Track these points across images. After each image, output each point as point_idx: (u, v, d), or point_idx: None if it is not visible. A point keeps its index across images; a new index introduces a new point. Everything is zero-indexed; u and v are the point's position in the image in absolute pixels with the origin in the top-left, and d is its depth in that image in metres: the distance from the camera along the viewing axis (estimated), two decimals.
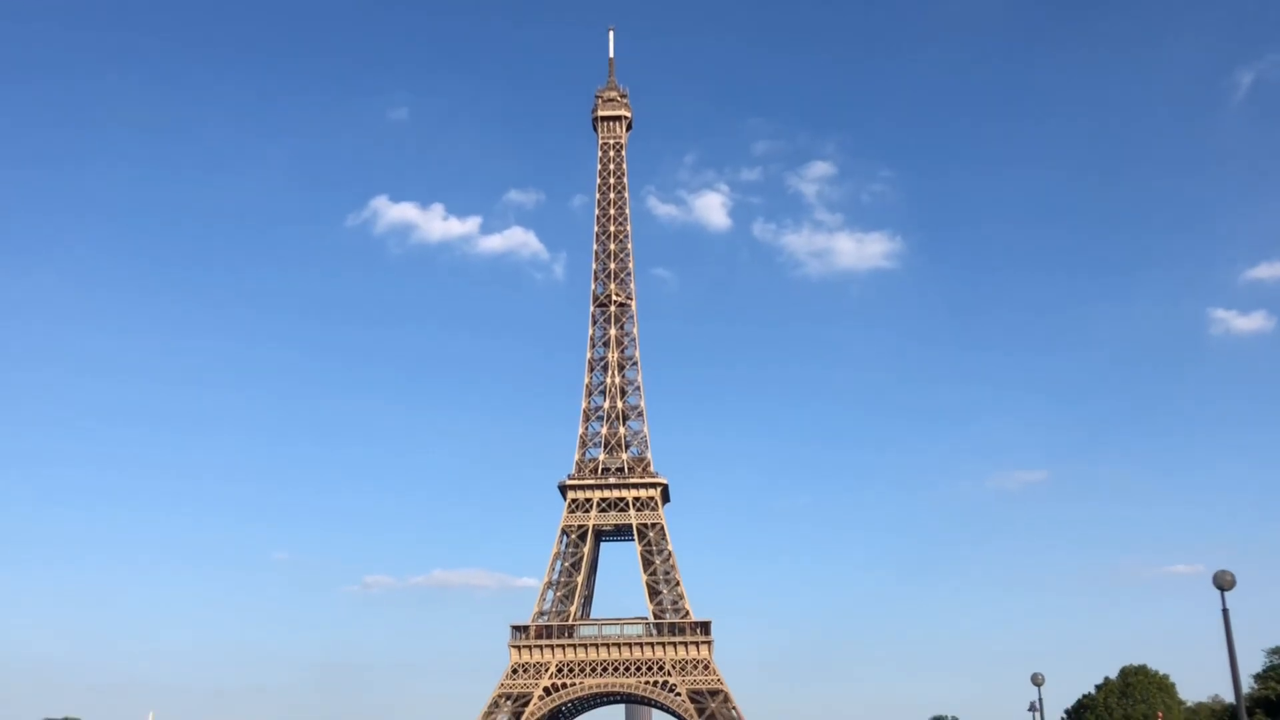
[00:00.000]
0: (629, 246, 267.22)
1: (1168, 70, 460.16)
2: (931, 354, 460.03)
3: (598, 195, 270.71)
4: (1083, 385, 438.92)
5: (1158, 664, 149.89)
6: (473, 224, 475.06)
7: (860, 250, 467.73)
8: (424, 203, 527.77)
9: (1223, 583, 38.71)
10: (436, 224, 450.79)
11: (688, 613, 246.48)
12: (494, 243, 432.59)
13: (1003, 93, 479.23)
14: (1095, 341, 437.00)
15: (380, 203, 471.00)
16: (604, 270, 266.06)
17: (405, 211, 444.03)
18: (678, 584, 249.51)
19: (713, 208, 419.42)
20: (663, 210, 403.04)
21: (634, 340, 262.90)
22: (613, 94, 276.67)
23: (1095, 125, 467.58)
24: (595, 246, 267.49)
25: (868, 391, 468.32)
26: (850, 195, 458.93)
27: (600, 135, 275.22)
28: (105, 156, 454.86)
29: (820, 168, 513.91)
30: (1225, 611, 39.19)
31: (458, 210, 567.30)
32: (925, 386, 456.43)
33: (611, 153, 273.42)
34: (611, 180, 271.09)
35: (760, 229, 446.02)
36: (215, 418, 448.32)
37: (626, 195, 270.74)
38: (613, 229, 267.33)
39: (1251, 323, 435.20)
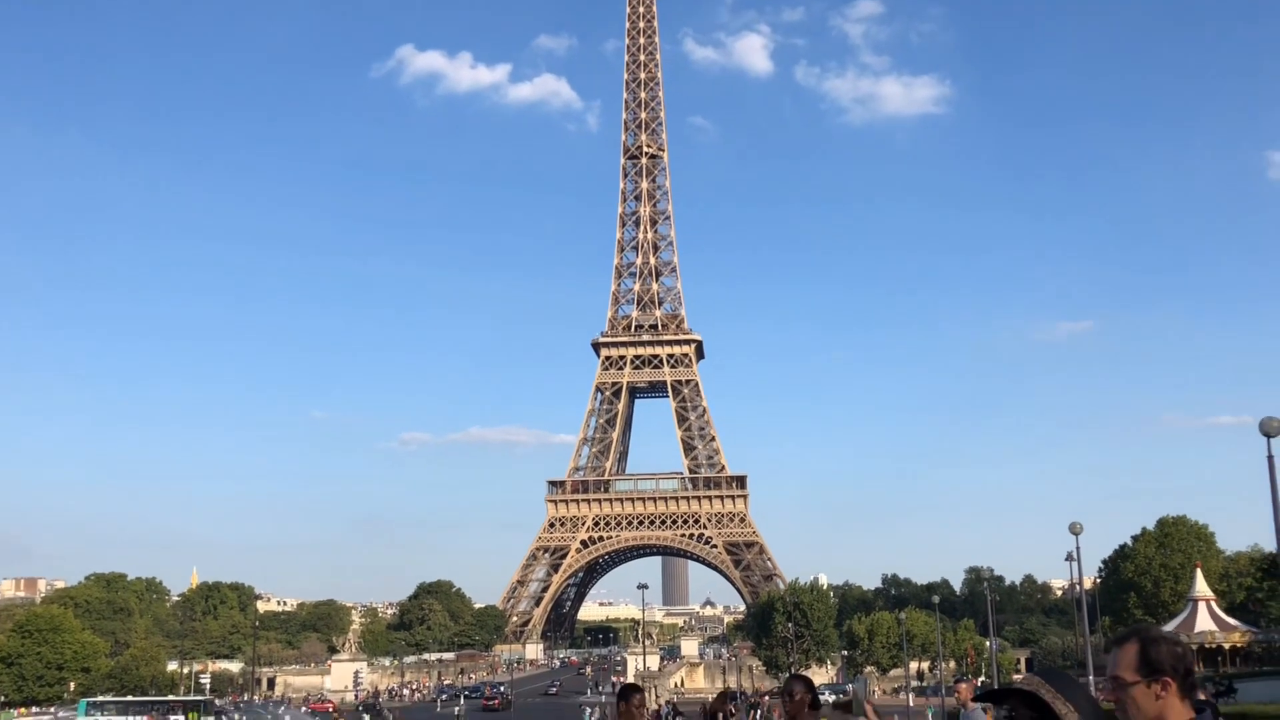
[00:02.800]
0: (660, 95, 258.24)
1: None
2: (978, 203, 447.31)
3: (627, 41, 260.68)
4: (1134, 234, 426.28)
5: (1198, 515, 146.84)
6: (502, 72, 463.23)
7: (908, 95, 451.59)
8: (451, 51, 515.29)
9: (1269, 429, 34.96)
10: (465, 73, 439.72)
11: (723, 467, 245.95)
12: (524, 92, 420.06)
13: None
14: (1149, 188, 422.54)
15: (406, 51, 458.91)
16: (634, 120, 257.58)
17: (432, 60, 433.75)
18: (713, 439, 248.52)
19: (753, 50, 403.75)
20: (700, 54, 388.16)
21: (666, 194, 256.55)
22: None
23: None
24: (625, 95, 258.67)
25: (910, 243, 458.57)
26: (898, 36, 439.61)
27: None
28: (123, 6, 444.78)
29: (866, 6, 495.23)
30: (1270, 459, 35.47)
31: (486, 58, 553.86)
32: (971, 236, 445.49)
33: None
34: (641, 24, 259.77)
35: (804, 73, 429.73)
36: (247, 277, 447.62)
37: (657, 40, 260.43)
38: (643, 76, 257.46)
39: None
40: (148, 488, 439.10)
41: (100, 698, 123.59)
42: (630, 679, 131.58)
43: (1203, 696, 5.20)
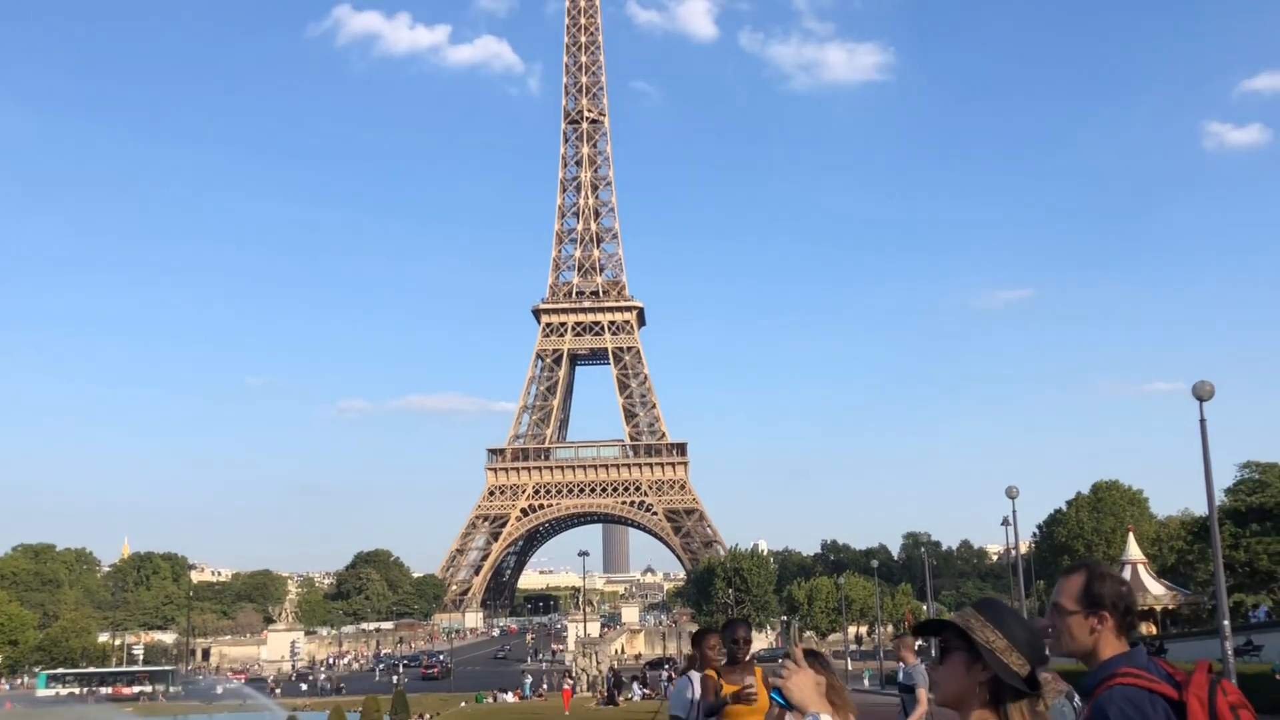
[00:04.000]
0: (601, 59, 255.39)
1: None
2: (920, 171, 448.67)
3: (567, 3, 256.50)
4: (1073, 202, 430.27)
5: (1132, 480, 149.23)
6: (441, 33, 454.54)
7: (851, 62, 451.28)
8: (389, 10, 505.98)
9: (1201, 393, 35.08)
10: (403, 33, 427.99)
11: (664, 434, 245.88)
12: (464, 54, 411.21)
13: None
14: (1087, 157, 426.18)
15: (343, 11, 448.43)
16: (575, 84, 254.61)
17: (369, 20, 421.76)
18: (654, 406, 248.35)
19: (697, 15, 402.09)
20: (644, 18, 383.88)
21: (608, 159, 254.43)
22: None
23: None
24: (565, 59, 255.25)
25: (852, 210, 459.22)
26: (842, 2, 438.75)
27: None
28: None
29: None
30: (1203, 422, 35.71)
31: (425, 18, 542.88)
32: (912, 204, 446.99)
33: None
34: None
35: (748, 39, 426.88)
36: (183, 241, 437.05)
37: (598, 3, 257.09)
38: (583, 40, 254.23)
39: (1246, 135, 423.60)
40: (77, 456, 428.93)
41: (61, 670, 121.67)
42: (571, 646, 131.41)
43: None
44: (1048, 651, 4.17)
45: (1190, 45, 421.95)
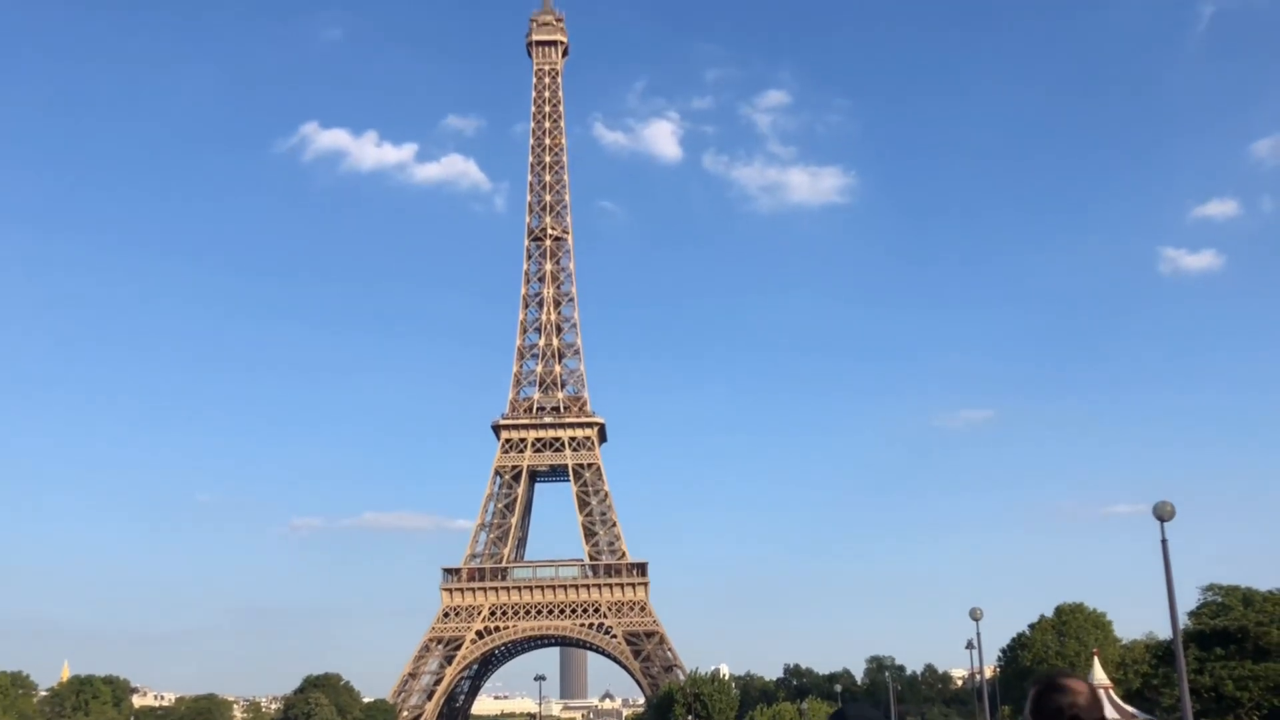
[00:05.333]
0: (565, 178, 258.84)
1: None
2: (881, 292, 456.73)
3: (532, 124, 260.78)
4: (1032, 324, 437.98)
5: (1096, 602, 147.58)
6: (408, 151, 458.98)
7: (813, 185, 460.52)
8: (357, 129, 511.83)
9: (1163, 513, 34.77)
10: (369, 150, 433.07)
11: (624, 554, 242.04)
12: (431, 171, 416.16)
13: (960, 23, 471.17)
14: (1046, 279, 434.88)
15: (310, 129, 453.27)
16: (539, 203, 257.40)
17: (336, 138, 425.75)
18: (614, 525, 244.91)
19: (663, 136, 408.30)
20: (610, 138, 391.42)
21: (570, 276, 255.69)
22: (548, 18, 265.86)
23: (1054, 55, 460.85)
24: (530, 178, 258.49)
25: (813, 331, 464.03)
26: (805, 126, 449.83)
27: (535, 61, 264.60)
28: (15, 74, 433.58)
29: (774, 97, 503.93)
30: (1164, 542, 35.30)
31: (392, 137, 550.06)
32: (873, 325, 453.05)
33: (547, 79, 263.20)
34: (547, 109, 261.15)
35: (711, 160, 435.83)
36: (135, 352, 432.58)
37: (563, 124, 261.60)
38: (548, 159, 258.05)
39: (1200, 261, 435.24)
40: (14, 572, 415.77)
41: None
42: None
43: None
44: None
45: (1144, 171, 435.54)
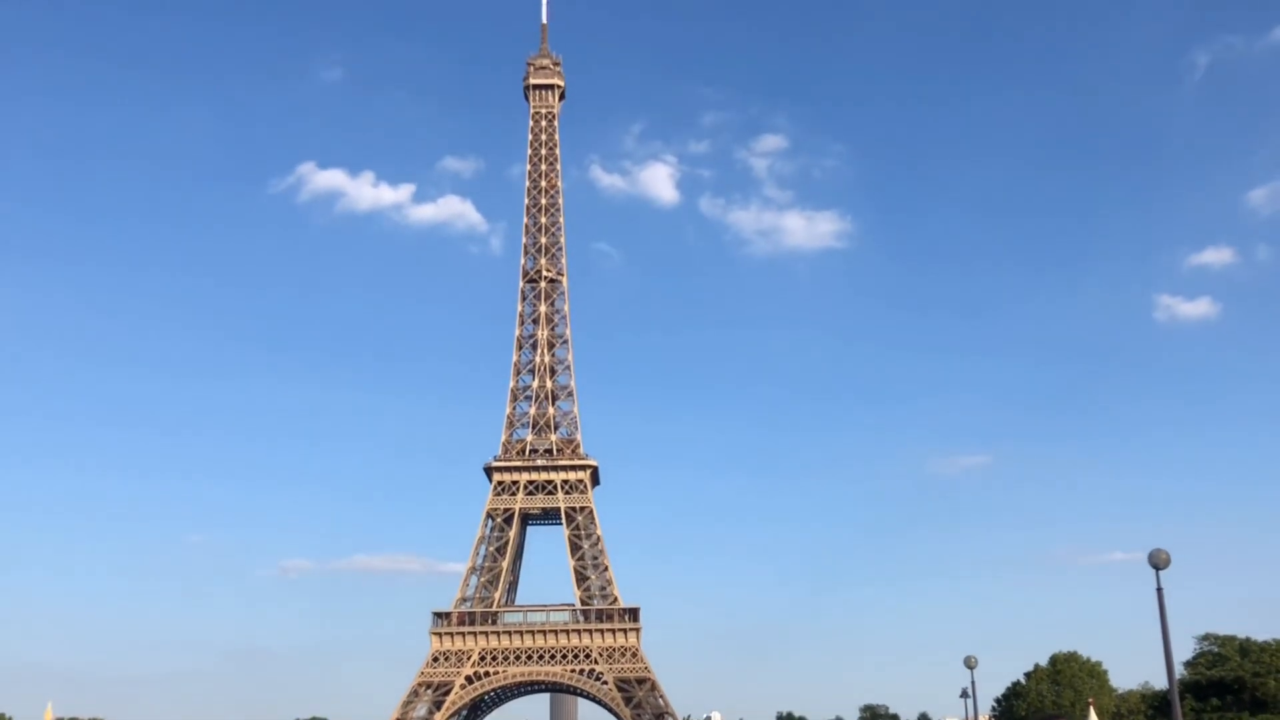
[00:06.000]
0: (560, 220, 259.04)
1: (1127, 49, 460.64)
2: (877, 338, 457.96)
3: (529, 167, 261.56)
4: (1029, 370, 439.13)
5: (1091, 651, 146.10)
6: (405, 192, 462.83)
7: (810, 229, 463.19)
8: (353, 170, 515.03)
9: (1158, 561, 34.33)
10: (366, 191, 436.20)
11: (616, 599, 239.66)
12: (427, 212, 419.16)
13: (959, 69, 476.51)
14: (1042, 326, 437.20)
15: (307, 169, 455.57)
16: (534, 244, 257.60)
17: (333, 178, 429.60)
18: (606, 569, 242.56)
19: (659, 180, 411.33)
20: (607, 181, 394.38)
21: (565, 318, 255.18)
22: (545, 61, 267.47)
23: (1051, 103, 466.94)
24: (526, 220, 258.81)
25: (810, 376, 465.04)
26: (802, 171, 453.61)
27: (532, 104, 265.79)
28: (16, 109, 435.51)
29: (771, 141, 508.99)
30: (1160, 590, 34.76)
31: (389, 177, 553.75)
32: (869, 371, 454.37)
33: (544, 123, 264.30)
34: (543, 151, 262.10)
35: (708, 204, 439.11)
36: (125, 394, 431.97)
37: (559, 167, 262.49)
38: (544, 202, 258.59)
39: (1196, 309, 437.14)
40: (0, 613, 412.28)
41: None
42: None
43: None
44: None
45: (1141, 219, 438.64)
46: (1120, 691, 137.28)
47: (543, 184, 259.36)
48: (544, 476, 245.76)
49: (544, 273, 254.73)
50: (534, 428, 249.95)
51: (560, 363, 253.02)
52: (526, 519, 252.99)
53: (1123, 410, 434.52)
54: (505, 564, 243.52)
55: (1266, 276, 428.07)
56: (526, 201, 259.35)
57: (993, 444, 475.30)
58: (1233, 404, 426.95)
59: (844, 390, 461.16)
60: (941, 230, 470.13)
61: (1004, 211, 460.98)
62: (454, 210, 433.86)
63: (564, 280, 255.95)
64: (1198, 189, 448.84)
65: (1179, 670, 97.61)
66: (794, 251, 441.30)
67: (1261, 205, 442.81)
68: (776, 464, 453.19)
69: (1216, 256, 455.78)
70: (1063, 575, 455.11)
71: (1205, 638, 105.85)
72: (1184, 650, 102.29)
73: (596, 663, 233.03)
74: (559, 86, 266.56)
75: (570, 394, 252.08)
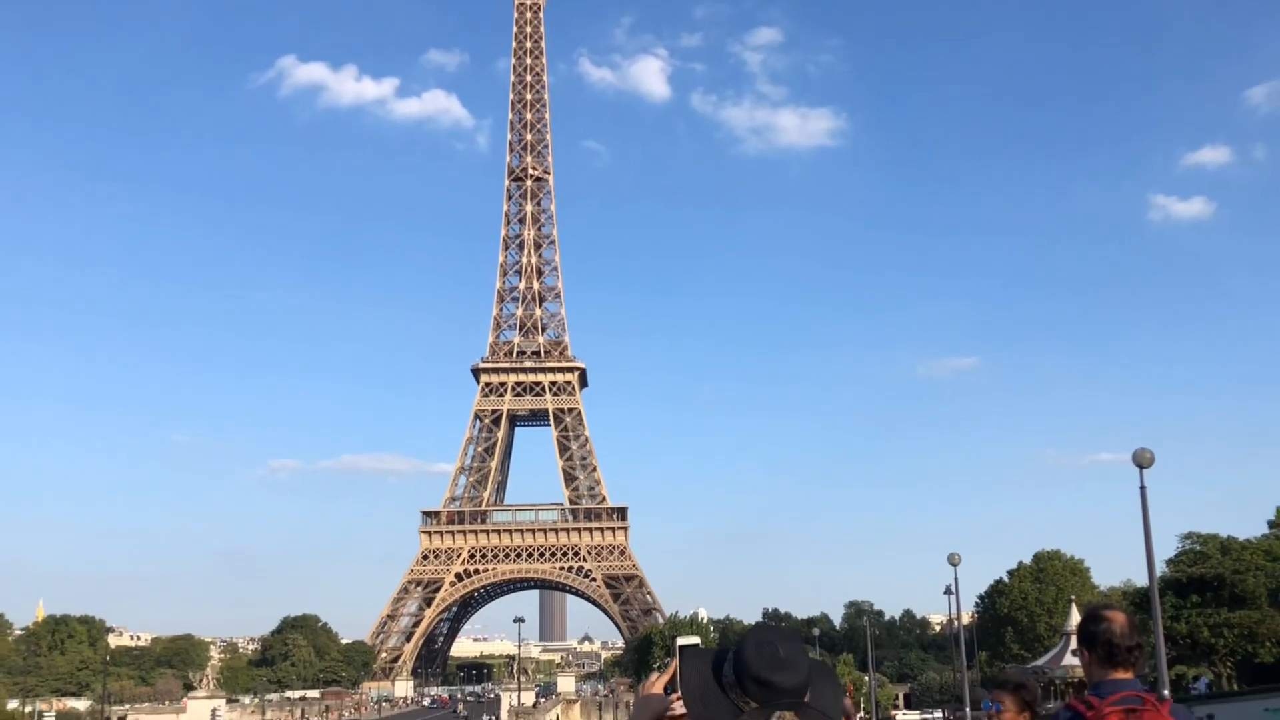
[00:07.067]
0: (546, 117, 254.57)
1: None
2: (868, 239, 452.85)
3: (513, 60, 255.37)
4: (1020, 271, 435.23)
5: (1075, 551, 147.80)
6: (389, 86, 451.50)
7: (804, 127, 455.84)
8: (335, 63, 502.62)
9: (1141, 460, 34.12)
10: (349, 85, 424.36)
11: (604, 498, 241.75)
12: (411, 107, 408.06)
13: None
14: (1034, 226, 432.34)
15: (288, 62, 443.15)
16: (520, 142, 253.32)
17: (314, 72, 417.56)
18: (594, 470, 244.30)
19: (650, 74, 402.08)
20: (597, 76, 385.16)
21: (551, 218, 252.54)
22: None
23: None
24: (510, 116, 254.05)
25: (799, 277, 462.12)
26: (796, 66, 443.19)
27: None
28: None
29: (766, 34, 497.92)
30: (1143, 489, 34.72)
31: (372, 71, 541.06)
32: (860, 272, 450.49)
33: (529, 14, 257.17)
34: (528, 44, 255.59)
35: (700, 100, 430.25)
36: (109, 294, 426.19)
37: (544, 61, 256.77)
38: (529, 97, 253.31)
39: (1191, 208, 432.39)
40: None
41: None
42: (504, 717, 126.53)
43: None
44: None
45: (1135, 117, 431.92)
46: (1102, 589, 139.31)
47: (528, 78, 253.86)
48: (532, 378, 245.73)
49: (530, 171, 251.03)
50: (521, 329, 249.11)
51: (547, 264, 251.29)
52: (515, 420, 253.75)
53: (1115, 310, 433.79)
54: (494, 464, 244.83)
55: (1263, 175, 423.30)
56: (511, 97, 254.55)
57: (982, 346, 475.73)
58: (1225, 304, 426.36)
59: (833, 292, 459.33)
60: (935, 130, 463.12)
61: (998, 111, 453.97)
62: (439, 105, 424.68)
63: (550, 179, 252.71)
64: (1195, 87, 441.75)
65: (1161, 568, 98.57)
66: (787, 150, 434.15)
67: (1261, 103, 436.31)
68: (765, 367, 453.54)
69: (1213, 155, 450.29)
70: (1049, 477, 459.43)
71: (1188, 536, 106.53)
72: (1167, 549, 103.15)
73: (585, 560, 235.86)
74: None
75: (558, 295, 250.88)
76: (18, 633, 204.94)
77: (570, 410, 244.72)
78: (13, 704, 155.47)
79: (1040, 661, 75.92)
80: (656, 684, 3.82)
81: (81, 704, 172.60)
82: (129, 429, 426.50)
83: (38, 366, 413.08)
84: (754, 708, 3.45)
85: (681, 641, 3.83)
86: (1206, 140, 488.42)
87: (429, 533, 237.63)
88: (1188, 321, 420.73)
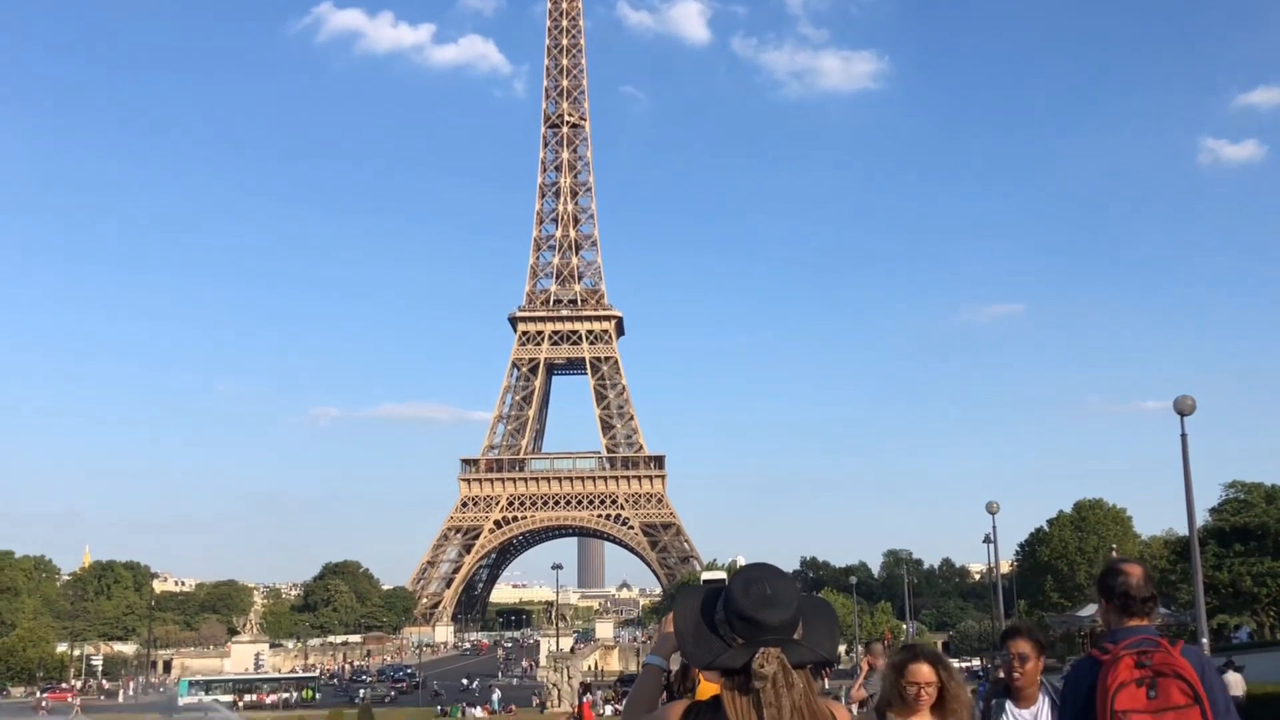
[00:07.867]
0: (583, 62, 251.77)
1: None
2: (912, 184, 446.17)
3: (549, 4, 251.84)
4: (1066, 215, 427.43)
5: (1117, 499, 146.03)
6: (425, 32, 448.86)
7: (846, 70, 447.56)
8: (372, 9, 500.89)
9: (1183, 408, 33.16)
10: (385, 31, 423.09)
11: (641, 447, 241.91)
12: (448, 54, 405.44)
13: None
14: (1082, 171, 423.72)
15: (325, 8, 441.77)
16: (556, 88, 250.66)
17: (351, 18, 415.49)
18: (631, 418, 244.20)
19: (690, 17, 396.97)
20: (635, 19, 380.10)
21: (588, 165, 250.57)
22: None
23: None
24: (547, 62, 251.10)
25: (841, 222, 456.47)
26: (839, 7, 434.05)
27: None
28: None
29: None
30: (1184, 437, 33.85)
31: (408, 16, 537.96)
32: (904, 218, 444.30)
33: None
34: None
35: (740, 44, 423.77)
36: (151, 240, 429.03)
37: (580, 4, 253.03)
38: (565, 42, 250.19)
39: (1241, 151, 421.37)
40: (38, 461, 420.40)
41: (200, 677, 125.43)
42: (543, 662, 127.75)
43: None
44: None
45: (1187, 59, 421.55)
46: (1144, 538, 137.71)
47: (564, 23, 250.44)
48: (569, 327, 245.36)
49: (566, 117, 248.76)
50: (558, 278, 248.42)
51: (584, 211, 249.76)
52: (552, 369, 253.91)
53: (1162, 256, 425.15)
54: (532, 413, 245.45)
55: None
56: (547, 42, 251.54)
57: (1027, 292, 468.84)
58: (1274, 250, 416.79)
59: (876, 240, 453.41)
60: (980, 73, 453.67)
61: (1046, 54, 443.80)
62: (476, 51, 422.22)
63: (587, 125, 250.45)
64: (1248, 26, 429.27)
65: (1204, 517, 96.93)
66: (829, 94, 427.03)
67: None
68: (804, 315, 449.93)
69: (1266, 96, 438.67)
70: (1092, 424, 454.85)
71: (1232, 485, 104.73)
72: (1210, 498, 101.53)
73: (623, 508, 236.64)
74: None
75: (594, 243, 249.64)
76: (65, 578, 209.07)
77: (607, 359, 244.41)
78: (61, 647, 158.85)
79: (1084, 613, 75.08)
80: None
81: (128, 648, 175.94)
82: (173, 378, 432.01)
83: (84, 319, 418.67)
84: (740, 644, 3.52)
85: (706, 576, 3.92)
86: (1260, 81, 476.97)
87: (468, 480, 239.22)
88: (1236, 268, 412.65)
